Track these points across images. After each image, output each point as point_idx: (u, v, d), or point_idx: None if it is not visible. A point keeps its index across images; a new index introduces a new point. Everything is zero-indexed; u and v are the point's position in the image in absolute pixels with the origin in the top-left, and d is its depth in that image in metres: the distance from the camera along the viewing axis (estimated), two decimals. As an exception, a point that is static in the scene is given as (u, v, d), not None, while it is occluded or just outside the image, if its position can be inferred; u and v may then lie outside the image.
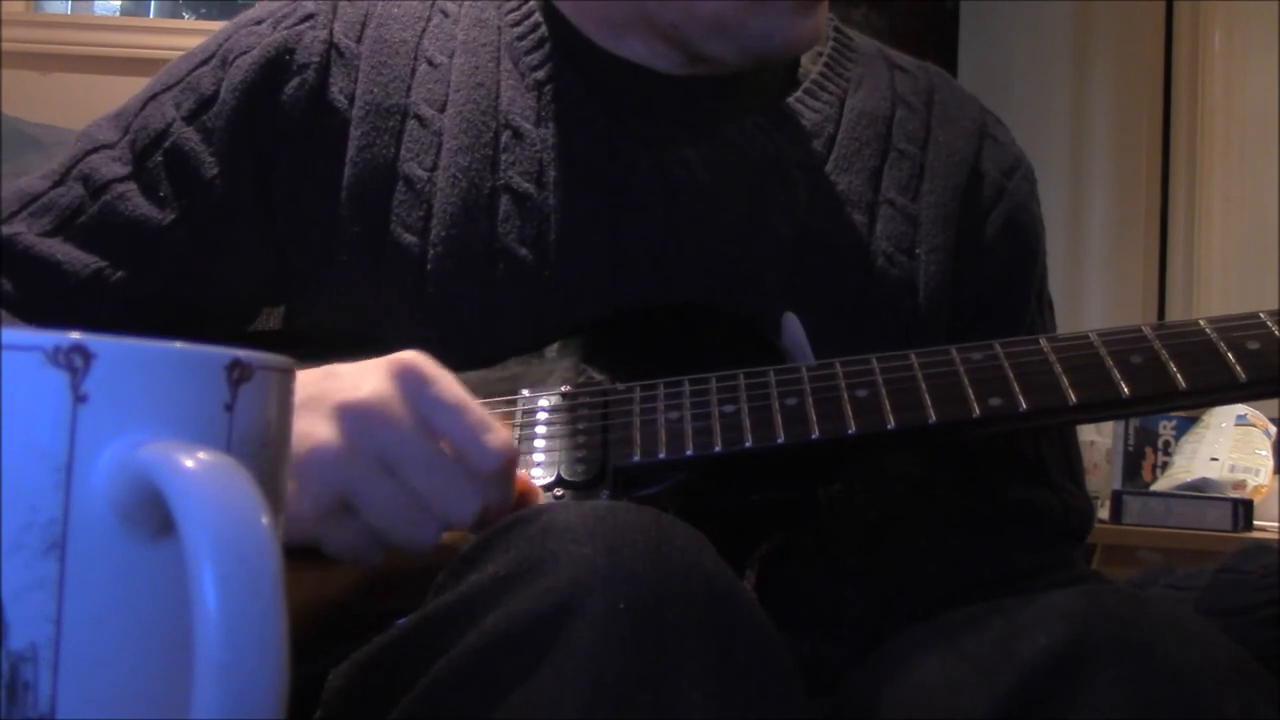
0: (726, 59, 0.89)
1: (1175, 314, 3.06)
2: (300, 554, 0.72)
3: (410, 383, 0.64)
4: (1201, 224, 3.08)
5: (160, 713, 0.35)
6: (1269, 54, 2.97)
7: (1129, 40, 3.13)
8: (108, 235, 0.87)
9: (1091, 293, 3.09)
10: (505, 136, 0.88)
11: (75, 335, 0.34)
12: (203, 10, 3.23)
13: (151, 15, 3.23)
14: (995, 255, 0.94)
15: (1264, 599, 0.83)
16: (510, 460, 0.65)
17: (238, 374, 0.37)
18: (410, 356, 0.65)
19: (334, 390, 0.65)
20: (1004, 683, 0.60)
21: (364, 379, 0.65)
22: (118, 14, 3.16)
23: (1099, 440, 2.70)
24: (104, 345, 0.35)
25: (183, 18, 3.25)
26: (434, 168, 0.86)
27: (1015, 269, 0.96)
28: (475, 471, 0.64)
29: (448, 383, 0.65)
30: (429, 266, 0.84)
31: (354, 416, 0.63)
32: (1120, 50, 3.13)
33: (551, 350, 0.82)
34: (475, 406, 0.65)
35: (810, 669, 0.62)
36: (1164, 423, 2.66)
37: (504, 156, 0.87)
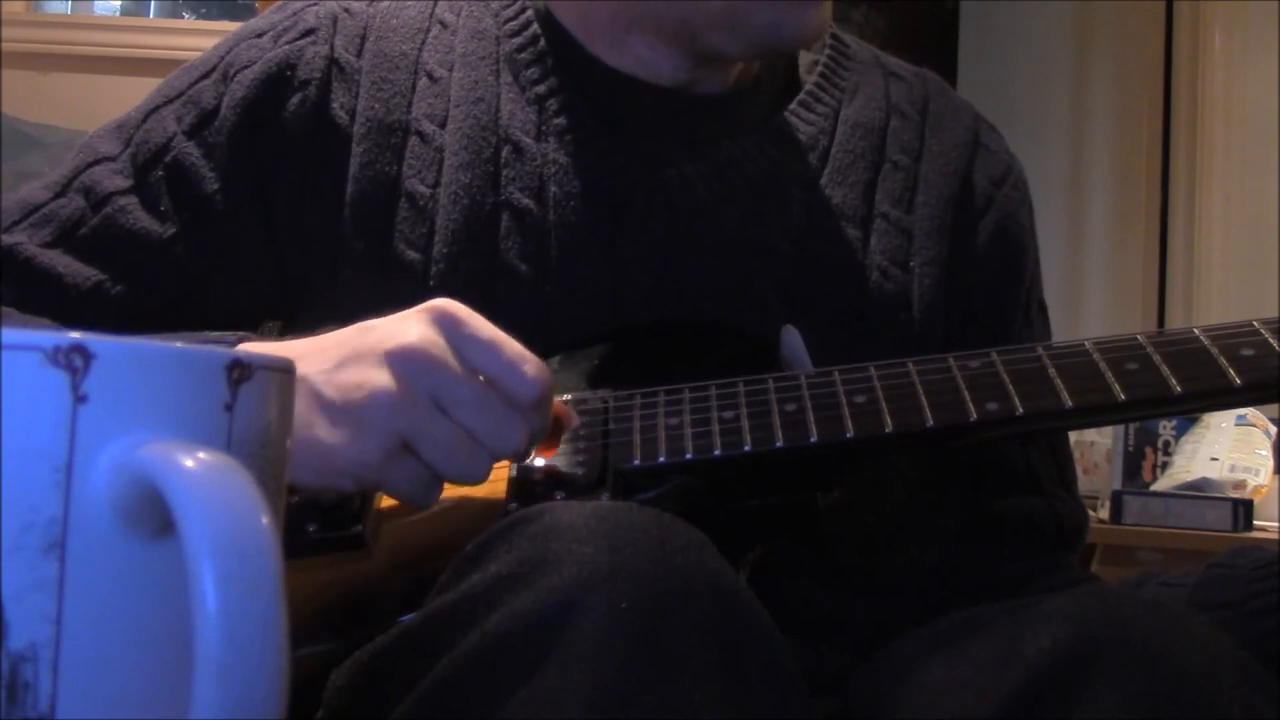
0: (733, 53, 0.89)
1: (1175, 313, 3.06)
2: (305, 550, 0.73)
3: (448, 325, 0.68)
4: (1201, 224, 3.08)
5: (160, 713, 0.35)
6: (1269, 54, 2.97)
7: (1129, 40, 3.13)
8: (108, 248, 0.88)
9: (1091, 293, 3.09)
10: (506, 151, 0.88)
11: (75, 335, 0.34)
12: (203, 10, 3.23)
13: (151, 15, 3.22)
14: (983, 265, 0.95)
15: (1256, 590, 0.83)
16: (547, 388, 0.69)
17: (238, 374, 0.37)
18: (443, 302, 0.69)
19: (379, 340, 0.68)
20: (1008, 683, 0.60)
21: (405, 326, 0.68)
22: (118, 14, 3.15)
23: (1099, 440, 2.70)
24: (104, 345, 0.34)
25: (183, 18, 3.25)
26: (436, 184, 0.87)
27: (1001, 279, 0.96)
28: (516, 402, 0.68)
29: (481, 322, 0.69)
30: (431, 283, 0.85)
31: (405, 361, 0.67)
32: (1120, 50, 3.13)
33: (553, 364, 0.83)
34: (509, 342, 0.68)
35: (809, 672, 0.62)
36: (1164, 423, 2.66)
37: (505, 172, 0.88)
